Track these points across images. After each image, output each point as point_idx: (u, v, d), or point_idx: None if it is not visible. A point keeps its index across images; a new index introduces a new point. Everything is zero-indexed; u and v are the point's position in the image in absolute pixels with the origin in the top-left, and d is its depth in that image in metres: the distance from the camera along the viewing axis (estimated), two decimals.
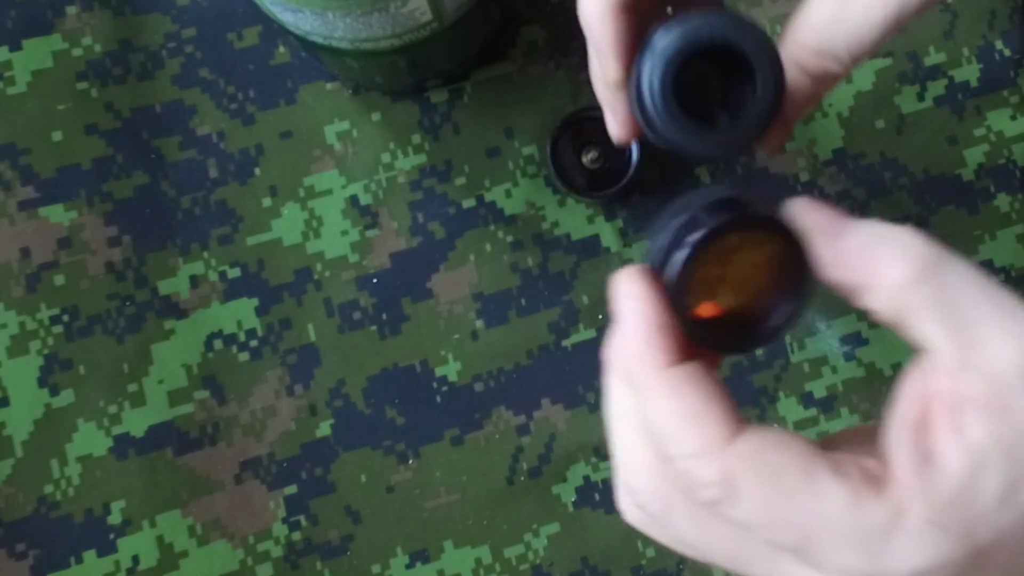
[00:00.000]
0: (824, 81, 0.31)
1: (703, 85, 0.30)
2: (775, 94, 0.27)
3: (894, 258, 0.25)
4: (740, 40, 0.27)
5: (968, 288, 0.25)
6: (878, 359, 0.53)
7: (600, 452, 0.51)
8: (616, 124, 0.34)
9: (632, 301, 0.27)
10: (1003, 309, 0.25)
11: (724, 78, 0.29)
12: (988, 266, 0.53)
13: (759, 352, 0.52)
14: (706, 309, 0.27)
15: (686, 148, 0.28)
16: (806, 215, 0.27)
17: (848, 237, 0.26)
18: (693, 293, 0.27)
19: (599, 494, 0.51)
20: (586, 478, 0.51)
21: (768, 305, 0.27)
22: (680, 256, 0.26)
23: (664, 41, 0.27)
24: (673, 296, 0.26)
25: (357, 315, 0.51)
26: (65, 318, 0.50)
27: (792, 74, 0.30)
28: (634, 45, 0.31)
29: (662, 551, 0.51)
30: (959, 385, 0.24)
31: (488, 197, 0.52)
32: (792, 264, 0.27)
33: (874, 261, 0.25)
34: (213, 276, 0.51)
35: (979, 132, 0.54)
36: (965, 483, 0.24)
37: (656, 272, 0.27)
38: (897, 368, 0.52)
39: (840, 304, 0.53)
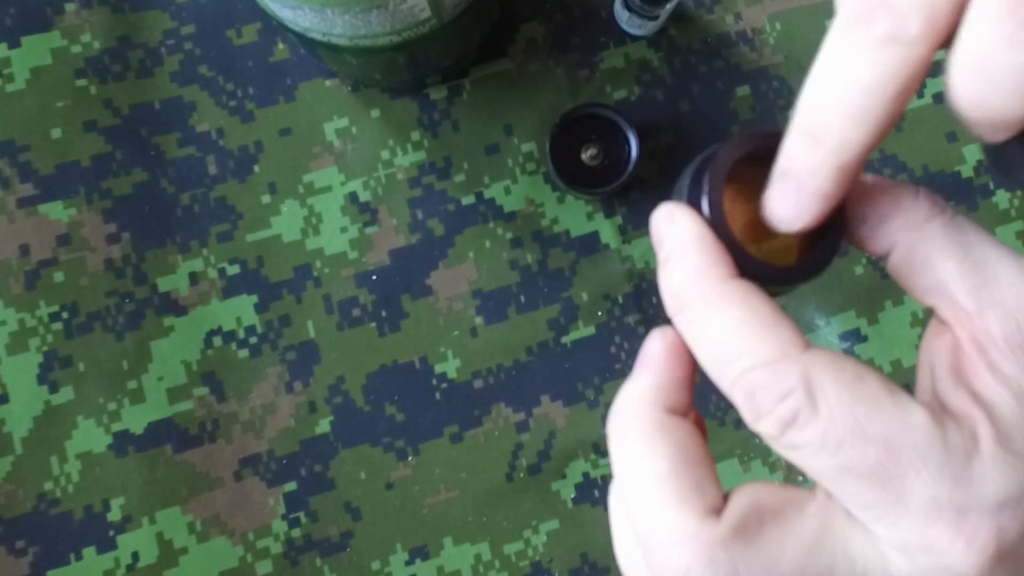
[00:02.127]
0: None
1: None
2: None
3: (914, 195, 0.26)
4: None
5: (978, 233, 0.25)
6: (877, 355, 0.53)
7: (599, 449, 0.51)
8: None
9: (680, 227, 0.25)
10: (1011, 253, 0.25)
11: None
12: None
13: None
14: (746, 236, 0.26)
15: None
16: None
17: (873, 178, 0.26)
18: (734, 221, 0.25)
19: (598, 490, 0.51)
20: (585, 475, 0.51)
21: (797, 240, 0.26)
22: (707, 179, 0.24)
23: None
24: (713, 222, 0.24)
25: (356, 312, 0.51)
26: (64, 315, 0.50)
27: None
28: None
29: None
30: (981, 325, 0.24)
31: (487, 194, 0.52)
32: None
33: (895, 195, 0.26)
34: (212, 273, 0.51)
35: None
36: (1018, 412, 0.23)
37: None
38: (896, 365, 0.53)
39: (839, 301, 0.53)
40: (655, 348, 0.26)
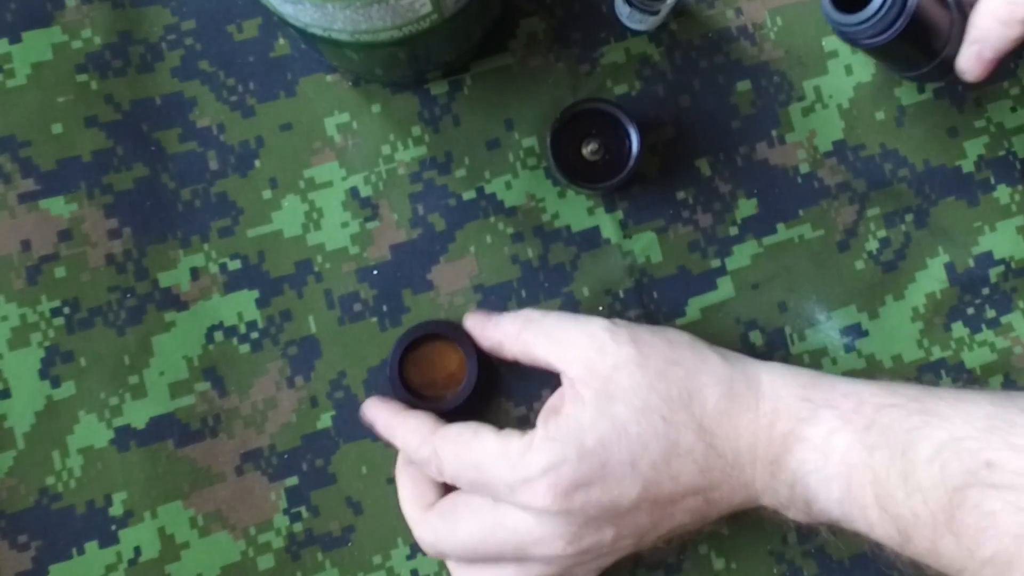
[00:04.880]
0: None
1: None
2: None
3: (512, 322, 0.47)
4: None
5: (555, 321, 0.46)
6: (878, 350, 0.53)
7: None
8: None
9: (375, 414, 0.48)
10: (576, 323, 0.45)
11: None
12: (988, 257, 0.53)
13: (759, 344, 0.52)
14: (420, 386, 0.50)
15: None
16: (469, 319, 0.49)
17: (490, 321, 0.48)
18: (409, 378, 0.50)
19: None
20: None
21: (451, 383, 0.50)
22: (392, 359, 0.50)
23: None
24: (393, 383, 0.49)
25: (358, 307, 0.51)
26: (66, 310, 0.50)
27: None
28: None
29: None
30: (570, 374, 0.44)
31: (488, 189, 0.52)
32: (462, 357, 0.49)
33: (501, 328, 0.47)
34: (213, 268, 0.51)
35: (979, 124, 0.54)
36: (570, 414, 0.42)
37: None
38: (896, 359, 0.53)
39: (840, 296, 0.53)
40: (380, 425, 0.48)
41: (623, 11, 0.52)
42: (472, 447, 0.43)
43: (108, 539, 0.49)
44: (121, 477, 0.49)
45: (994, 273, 0.53)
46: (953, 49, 0.46)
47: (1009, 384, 0.53)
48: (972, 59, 0.45)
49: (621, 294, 0.52)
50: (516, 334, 0.46)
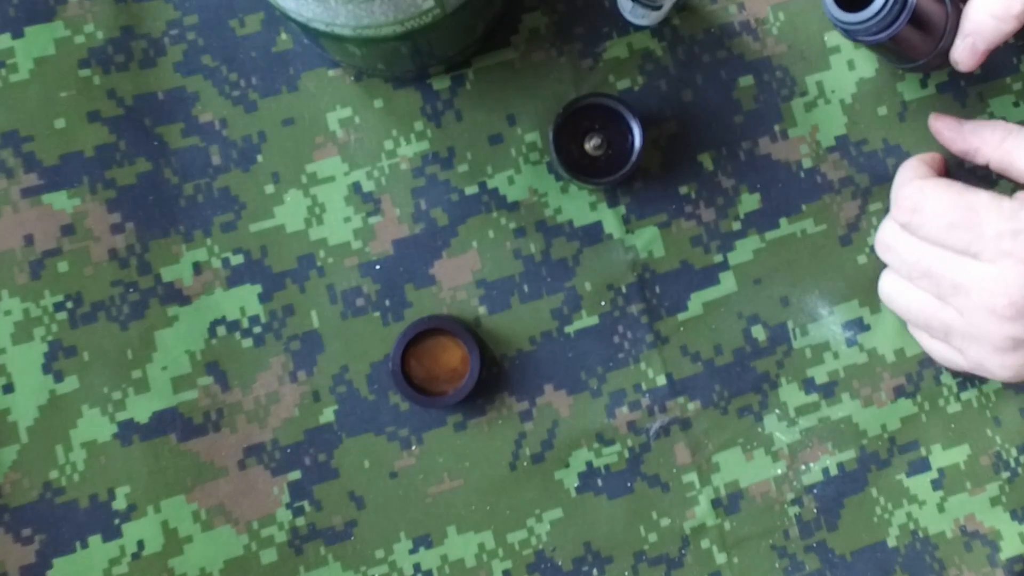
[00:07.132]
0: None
1: None
2: None
3: (993, 130, 0.47)
4: None
5: None
6: (880, 345, 0.53)
7: (603, 438, 0.51)
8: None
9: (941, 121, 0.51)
10: None
11: None
12: None
13: (761, 338, 0.52)
14: (422, 381, 0.50)
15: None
16: (939, 121, 0.51)
17: (966, 127, 0.49)
18: (412, 373, 0.50)
19: (601, 479, 0.51)
20: (589, 464, 0.51)
21: (454, 378, 0.50)
22: (394, 354, 0.50)
23: None
24: (396, 378, 0.49)
25: (360, 301, 0.51)
26: (69, 305, 0.50)
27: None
28: None
29: (664, 536, 0.51)
30: None
31: (491, 184, 0.52)
32: (464, 352, 0.50)
33: (980, 134, 0.48)
34: (216, 263, 0.51)
35: (982, 119, 0.54)
36: None
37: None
38: (899, 353, 0.53)
39: (843, 290, 0.53)
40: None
41: (626, 6, 0.52)
42: (965, 195, 0.45)
43: (111, 533, 0.49)
44: (124, 471, 0.49)
45: None
46: (949, 41, 0.47)
47: None
48: (966, 51, 0.46)
49: (623, 289, 0.52)
50: (998, 143, 0.47)
